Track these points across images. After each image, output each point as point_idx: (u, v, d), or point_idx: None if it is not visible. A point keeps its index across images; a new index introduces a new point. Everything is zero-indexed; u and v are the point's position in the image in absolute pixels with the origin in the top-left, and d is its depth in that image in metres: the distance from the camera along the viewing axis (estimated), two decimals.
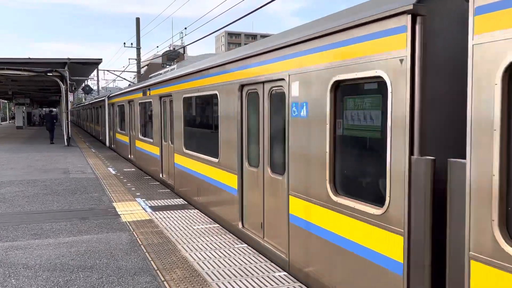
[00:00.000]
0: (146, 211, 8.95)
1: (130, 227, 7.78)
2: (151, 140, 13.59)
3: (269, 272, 5.52)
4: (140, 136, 15.57)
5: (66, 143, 25.45)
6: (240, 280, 5.28)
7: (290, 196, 5.52)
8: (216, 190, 8.15)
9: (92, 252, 6.42)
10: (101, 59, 23.97)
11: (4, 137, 34.40)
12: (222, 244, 6.73)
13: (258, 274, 5.48)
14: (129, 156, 18.10)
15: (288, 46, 5.42)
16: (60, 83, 25.16)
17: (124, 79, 38.91)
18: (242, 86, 6.85)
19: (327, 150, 4.71)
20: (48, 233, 7.44)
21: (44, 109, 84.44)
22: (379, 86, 4.03)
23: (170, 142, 11.50)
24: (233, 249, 6.46)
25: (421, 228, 3.50)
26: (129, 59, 35.97)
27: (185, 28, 28.60)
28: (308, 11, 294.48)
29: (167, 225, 7.83)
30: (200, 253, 6.31)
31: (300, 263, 5.36)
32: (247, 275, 5.44)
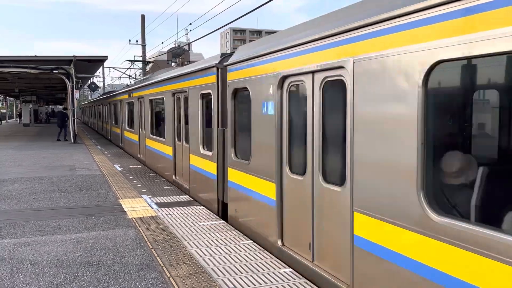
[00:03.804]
0: (152, 208, 8.98)
1: (136, 223, 7.82)
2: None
3: (274, 269, 5.53)
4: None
5: (72, 140, 25.58)
6: (245, 277, 5.30)
7: None
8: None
9: (98, 249, 6.46)
10: (106, 56, 24.02)
11: (11, 134, 34.62)
12: (227, 240, 6.75)
13: (264, 270, 5.49)
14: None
15: None
16: (66, 80, 25.26)
17: (130, 76, 39.00)
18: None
19: None
20: (55, 229, 7.50)
21: (50, 106, 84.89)
22: None
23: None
24: (239, 246, 6.48)
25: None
26: (134, 56, 36.04)
27: (190, 24, 28.56)
28: (312, 9, 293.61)
29: (173, 222, 7.86)
30: (205, 249, 6.34)
31: None
32: (253, 272, 5.45)
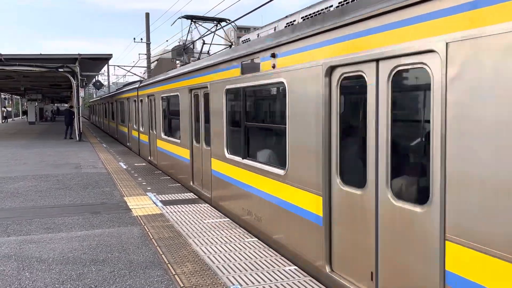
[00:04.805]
0: (157, 205, 9.01)
1: (141, 221, 7.84)
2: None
3: (279, 266, 5.53)
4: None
5: (77, 138, 25.68)
6: (250, 274, 5.30)
7: None
8: None
9: (104, 246, 6.49)
10: (111, 54, 24.09)
11: (16, 132, 34.80)
12: (232, 238, 6.76)
13: (269, 268, 5.49)
14: None
15: None
16: (71, 78, 25.34)
17: (135, 74, 39.09)
18: None
19: None
20: (61, 227, 7.54)
21: (55, 104, 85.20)
22: None
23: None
24: (244, 243, 6.48)
25: None
26: (139, 54, 36.13)
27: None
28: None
29: (178, 219, 7.88)
30: (210, 247, 6.35)
31: None
32: (257, 269, 5.46)
